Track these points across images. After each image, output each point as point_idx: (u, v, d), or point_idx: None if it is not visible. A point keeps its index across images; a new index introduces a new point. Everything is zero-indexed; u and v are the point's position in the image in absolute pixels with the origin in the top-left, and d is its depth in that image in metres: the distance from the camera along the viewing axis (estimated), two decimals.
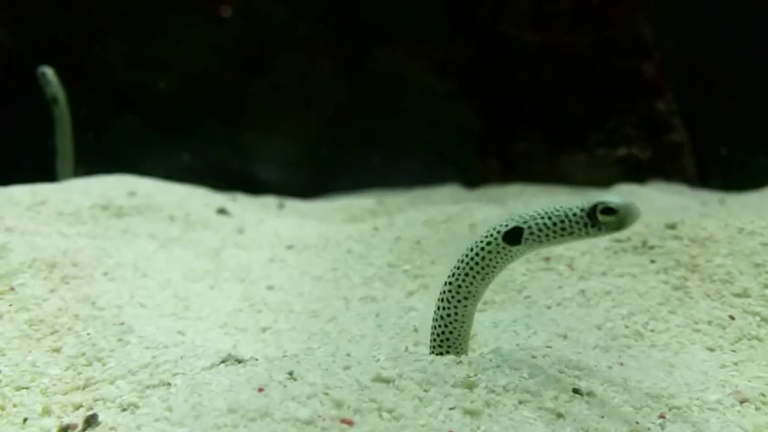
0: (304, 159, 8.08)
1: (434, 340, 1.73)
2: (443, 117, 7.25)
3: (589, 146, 5.67)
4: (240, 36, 8.00)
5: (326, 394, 1.44)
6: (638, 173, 5.44)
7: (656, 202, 3.71)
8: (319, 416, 1.37)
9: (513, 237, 1.58)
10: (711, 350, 2.00)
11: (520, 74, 5.86)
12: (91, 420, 1.59)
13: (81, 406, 1.70)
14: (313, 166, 8.01)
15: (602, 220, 1.48)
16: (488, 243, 1.63)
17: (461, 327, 1.70)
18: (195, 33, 7.71)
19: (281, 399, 1.42)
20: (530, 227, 1.56)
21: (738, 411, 1.70)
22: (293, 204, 4.60)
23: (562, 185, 5.19)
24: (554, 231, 1.54)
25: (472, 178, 5.93)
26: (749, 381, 1.81)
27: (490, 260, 1.63)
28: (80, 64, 7.10)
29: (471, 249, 1.66)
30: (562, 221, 1.52)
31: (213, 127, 8.07)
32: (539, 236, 1.55)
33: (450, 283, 1.69)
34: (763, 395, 1.75)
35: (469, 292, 1.67)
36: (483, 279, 1.65)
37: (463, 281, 1.67)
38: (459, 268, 1.68)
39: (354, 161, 7.76)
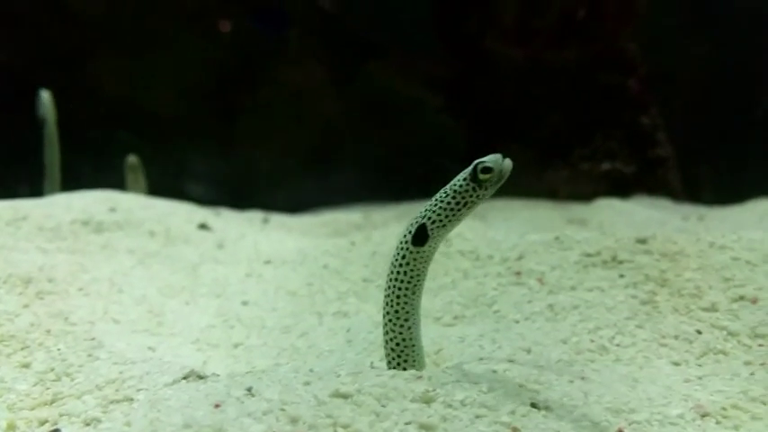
0: (296, 173, 8.13)
1: (389, 363, 1.76)
2: (432, 131, 7.30)
3: (573, 160, 5.71)
4: (233, 51, 8.06)
5: (283, 410, 1.45)
6: (623, 187, 5.49)
7: (634, 217, 3.74)
8: (273, 431, 1.38)
9: (422, 236, 1.65)
10: (677, 364, 2.00)
11: (505, 89, 5.91)
12: None
13: (47, 421, 1.71)
14: (304, 179, 8.05)
15: (485, 178, 1.58)
16: (403, 257, 1.68)
17: (412, 347, 1.73)
18: (188, 49, 7.77)
19: (237, 415, 1.43)
20: (429, 218, 1.64)
21: (699, 425, 1.70)
22: (279, 219, 4.62)
23: (547, 199, 5.22)
24: (452, 209, 1.62)
25: None
26: (711, 395, 1.82)
27: (413, 269, 1.69)
28: (75, 80, 7.15)
29: (392, 272, 1.71)
30: (454, 197, 1.62)
31: (206, 141, 8.12)
32: (442, 222, 1.64)
33: (387, 312, 1.73)
34: (725, 409, 1.76)
35: (407, 312, 1.71)
36: (414, 292, 1.71)
37: (397, 303, 1.71)
38: (390, 293, 1.72)
39: (345, 175, 7.81)
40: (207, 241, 3.37)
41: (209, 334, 2.41)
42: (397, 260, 1.70)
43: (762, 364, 2.00)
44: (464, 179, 1.61)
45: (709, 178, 6.00)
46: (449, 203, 1.63)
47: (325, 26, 7.84)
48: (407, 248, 1.68)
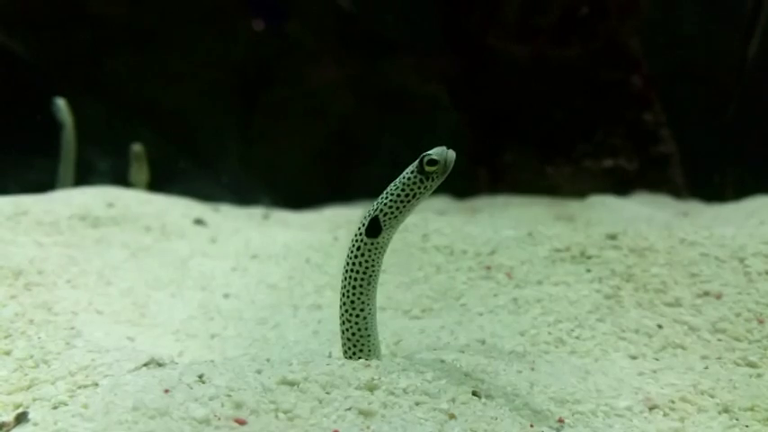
0: (310, 170, 8.23)
1: (346, 353, 1.82)
2: (441, 128, 7.35)
3: (576, 157, 5.72)
4: (249, 50, 8.17)
5: (229, 396, 1.52)
6: (625, 184, 5.48)
7: (624, 213, 3.75)
8: (215, 415, 1.45)
9: (375, 228, 1.73)
10: (634, 358, 2.04)
11: (508, 86, 5.93)
12: (21, 418, 1.69)
13: (21, 405, 1.80)
14: (319, 176, 8.16)
15: (431, 170, 1.65)
16: (359, 249, 1.74)
17: (367, 337, 1.79)
18: (206, 48, 7.89)
19: (184, 399, 1.50)
20: (381, 210, 1.72)
21: (645, 417, 1.75)
22: (280, 215, 4.69)
23: (549, 196, 5.24)
24: (401, 201, 1.70)
25: (464, 189, 6.00)
26: (662, 388, 1.86)
27: (368, 261, 1.76)
28: (94, 77, 7.32)
29: (348, 263, 1.78)
30: (403, 189, 1.69)
31: (223, 139, 8.25)
32: (393, 213, 1.71)
33: (343, 303, 1.79)
34: (673, 402, 1.80)
35: (363, 302, 1.77)
36: (369, 282, 1.77)
37: (353, 294, 1.77)
38: (346, 285, 1.79)
39: (358, 172, 7.89)
40: (200, 236, 3.46)
41: (189, 325, 2.48)
42: (352, 252, 1.77)
43: (718, 359, 2.03)
44: (412, 172, 1.69)
45: (733, 176, 5.94)
46: (398, 196, 1.70)
47: (342, 24, 7.93)
48: (362, 240, 1.75)
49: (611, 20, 5.62)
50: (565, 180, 5.65)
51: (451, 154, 1.68)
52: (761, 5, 5.38)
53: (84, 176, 4.66)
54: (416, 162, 1.68)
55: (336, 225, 4.34)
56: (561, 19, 5.61)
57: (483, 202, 5.27)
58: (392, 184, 1.73)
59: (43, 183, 4.42)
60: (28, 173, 5.62)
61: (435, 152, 1.67)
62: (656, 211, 4.11)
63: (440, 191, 5.94)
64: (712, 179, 5.93)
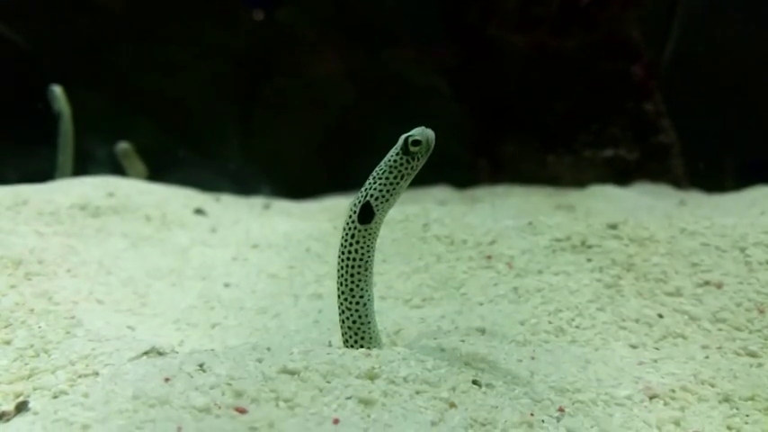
0: (311, 160, 8.22)
1: (347, 342, 1.82)
2: (442, 119, 7.34)
3: (576, 147, 5.71)
4: (249, 40, 8.15)
5: (229, 385, 1.52)
6: (626, 174, 5.48)
7: (624, 203, 3.74)
8: (216, 404, 1.45)
9: (367, 214, 1.74)
10: (634, 347, 2.04)
11: (509, 76, 5.91)
12: (21, 407, 1.69)
13: (22, 394, 1.80)
14: (319, 166, 8.15)
15: (415, 150, 1.69)
16: (353, 236, 1.75)
17: (367, 324, 1.79)
18: (206, 38, 7.87)
19: (184, 388, 1.50)
20: (373, 196, 1.73)
21: (646, 406, 1.75)
22: (281, 205, 4.68)
23: (549, 186, 5.24)
24: (391, 183, 1.72)
25: (465, 179, 6.00)
26: (663, 377, 1.86)
27: (363, 247, 1.77)
28: (94, 68, 7.29)
29: (343, 252, 1.77)
30: (391, 172, 1.71)
31: (224, 130, 8.24)
32: (384, 196, 1.73)
33: (342, 292, 1.79)
34: (673, 391, 1.80)
35: (361, 289, 1.77)
36: (366, 268, 1.77)
37: (351, 282, 1.77)
38: (343, 273, 1.79)
39: (358, 162, 7.85)
40: (201, 226, 3.45)
41: (190, 314, 2.48)
42: (346, 240, 1.77)
43: (718, 348, 2.03)
44: (397, 154, 1.71)
45: (733, 166, 5.92)
46: (387, 178, 1.72)
47: (342, 15, 7.91)
48: (355, 227, 1.75)
49: (612, 10, 5.60)
50: (565, 170, 5.65)
51: (431, 132, 1.71)
52: (674, 13, 5.48)
53: (84, 166, 4.65)
54: (400, 144, 1.71)
55: (336, 215, 4.34)
56: (562, 9, 5.59)
57: (483, 191, 5.27)
58: (378, 169, 1.75)
59: (43, 172, 4.41)
60: (28, 162, 5.60)
61: (417, 132, 1.70)
62: (656, 200, 4.11)
63: (440, 181, 5.93)
64: (712, 169, 5.91)
